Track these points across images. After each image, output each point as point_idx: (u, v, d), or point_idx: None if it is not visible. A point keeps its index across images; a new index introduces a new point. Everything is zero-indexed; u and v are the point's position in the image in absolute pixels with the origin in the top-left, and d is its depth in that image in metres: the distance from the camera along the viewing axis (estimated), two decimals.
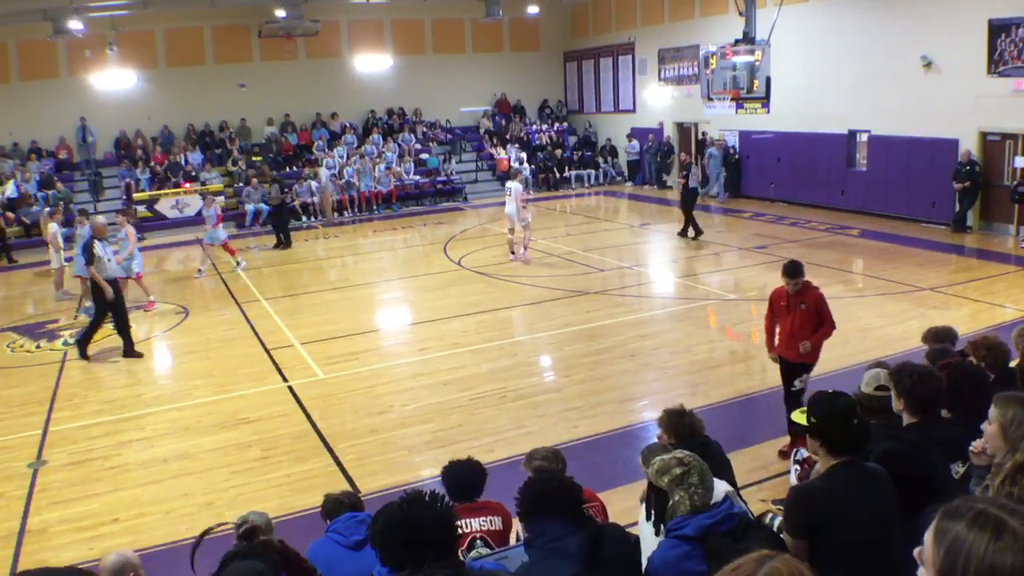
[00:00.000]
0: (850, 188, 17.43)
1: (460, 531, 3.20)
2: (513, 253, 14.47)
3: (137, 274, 12.47)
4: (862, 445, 3.04)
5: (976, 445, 3.01)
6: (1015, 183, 14.05)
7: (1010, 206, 14.32)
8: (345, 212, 21.19)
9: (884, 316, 10.11)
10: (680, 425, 4.46)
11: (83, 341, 10.11)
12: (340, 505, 4.09)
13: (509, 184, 14.66)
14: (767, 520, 3.59)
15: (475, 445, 6.78)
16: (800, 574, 1.48)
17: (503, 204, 15.15)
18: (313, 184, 20.86)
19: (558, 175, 24.52)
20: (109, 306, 9.88)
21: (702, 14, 20.83)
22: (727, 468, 4.34)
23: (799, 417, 3.19)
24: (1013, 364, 4.57)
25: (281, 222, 17.71)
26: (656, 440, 4.53)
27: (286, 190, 18.44)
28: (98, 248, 9.80)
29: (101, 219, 10.71)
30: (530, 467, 4.05)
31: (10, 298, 14.34)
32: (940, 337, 5.25)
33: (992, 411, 2.86)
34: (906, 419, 3.64)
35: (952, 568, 1.37)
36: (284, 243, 17.47)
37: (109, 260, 10.00)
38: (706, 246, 15.38)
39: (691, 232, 15.68)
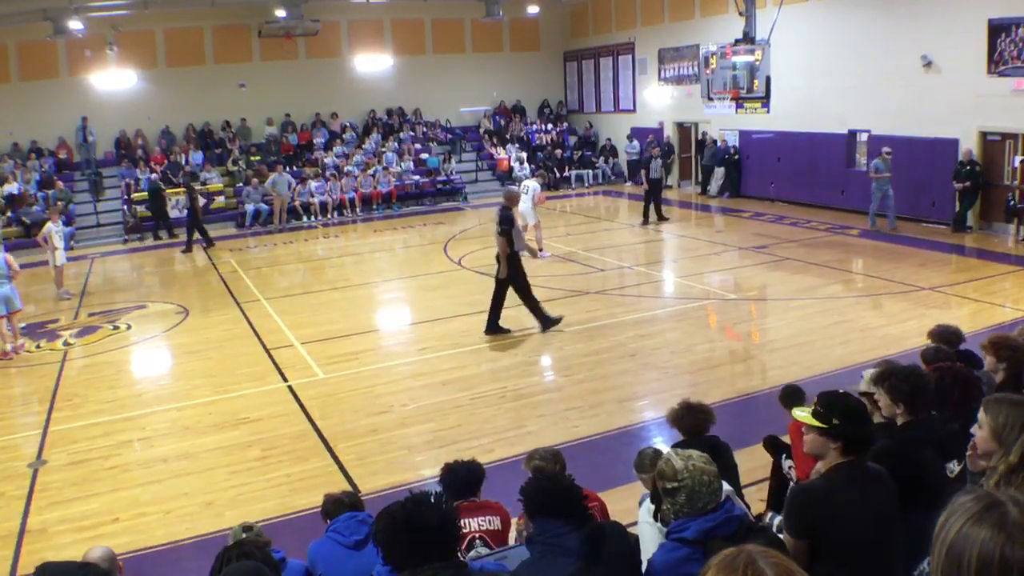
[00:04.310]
0: (850, 188, 17.42)
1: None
2: (541, 250, 14.20)
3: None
4: (871, 444, 3.03)
5: (970, 451, 2.91)
6: (1010, 197, 13.98)
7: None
8: (344, 212, 21.09)
9: (884, 316, 10.11)
10: (682, 422, 4.48)
11: (493, 319, 9.94)
12: (340, 505, 4.10)
13: (527, 183, 15.17)
14: (766, 520, 3.59)
15: (475, 445, 6.78)
16: (784, 564, 1.50)
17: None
18: (307, 187, 20.71)
19: (558, 175, 24.52)
20: (511, 281, 9.69)
21: (702, 14, 20.81)
22: (733, 469, 4.34)
23: (803, 416, 3.07)
24: None
25: (190, 224, 17.54)
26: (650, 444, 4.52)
27: (193, 196, 17.90)
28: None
29: (514, 187, 10.36)
30: (529, 467, 4.12)
31: None
32: (945, 337, 5.23)
33: (981, 415, 2.74)
34: (900, 419, 3.64)
35: (936, 536, 1.39)
36: (187, 248, 17.36)
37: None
38: (706, 246, 15.39)
39: (653, 216, 17.46)
